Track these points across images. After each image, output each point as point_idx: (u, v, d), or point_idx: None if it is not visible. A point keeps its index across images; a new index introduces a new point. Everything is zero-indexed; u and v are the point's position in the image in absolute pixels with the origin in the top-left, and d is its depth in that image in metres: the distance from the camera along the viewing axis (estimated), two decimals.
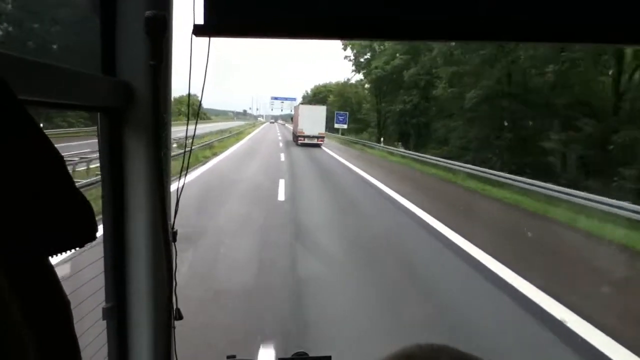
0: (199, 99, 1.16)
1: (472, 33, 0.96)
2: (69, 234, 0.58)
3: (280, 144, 33.42)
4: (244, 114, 69.82)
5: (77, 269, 1.41)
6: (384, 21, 0.94)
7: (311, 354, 1.28)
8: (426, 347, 0.51)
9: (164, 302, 1.10)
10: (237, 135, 38.83)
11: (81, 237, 0.59)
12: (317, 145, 31.08)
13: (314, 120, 31.79)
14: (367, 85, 58.65)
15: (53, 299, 0.54)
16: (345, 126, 54.73)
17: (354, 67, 44.39)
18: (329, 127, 65.67)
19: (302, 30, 0.98)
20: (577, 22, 0.92)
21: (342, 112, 56.07)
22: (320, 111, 34.10)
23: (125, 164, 1.06)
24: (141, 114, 1.03)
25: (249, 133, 47.91)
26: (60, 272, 0.55)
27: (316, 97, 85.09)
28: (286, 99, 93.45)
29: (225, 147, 24.03)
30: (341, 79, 72.28)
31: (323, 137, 32.41)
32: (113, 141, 1.05)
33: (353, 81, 63.89)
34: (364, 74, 43.67)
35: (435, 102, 33.22)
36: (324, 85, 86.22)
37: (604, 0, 0.92)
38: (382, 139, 30.24)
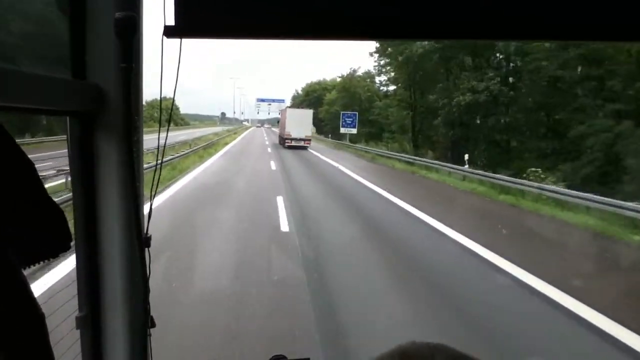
0: (173, 102, 1.18)
1: (468, 31, 0.90)
2: (42, 244, 0.55)
3: (272, 165, 20.08)
4: (223, 118, 56.89)
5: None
6: (368, 19, 0.89)
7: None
8: (422, 345, 0.50)
9: (139, 309, 1.06)
10: (205, 149, 25.25)
11: (55, 247, 0.56)
12: (304, 148, 31.15)
13: (300, 123, 32.10)
14: (378, 79, 45.58)
15: (26, 312, 0.51)
16: (354, 130, 41.94)
17: (376, 47, 31.20)
18: (328, 131, 53.34)
19: (276, 30, 0.93)
20: (579, 19, 0.87)
21: (349, 112, 43.29)
22: (307, 115, 34.36)
23: (96, 168, 1.03)
24: (112, 117, 1.00)
25: (227, 144, 34.15)
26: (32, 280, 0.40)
27: (309, 96, 73.48)
28: (274, 100, 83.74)
29: (165, 183, 10.65)
30: (338, 74, 60.15)
31: (309, 140, 32.84)
32: (83, 146, 1.02)
33: (360, 73, 50.87)
34: (389, 54, 30.54)
35: (529, 90, 20.18)
36: (318, 83, 74.29)
37: None
38: (466, 156, 16.80)
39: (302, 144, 31.58)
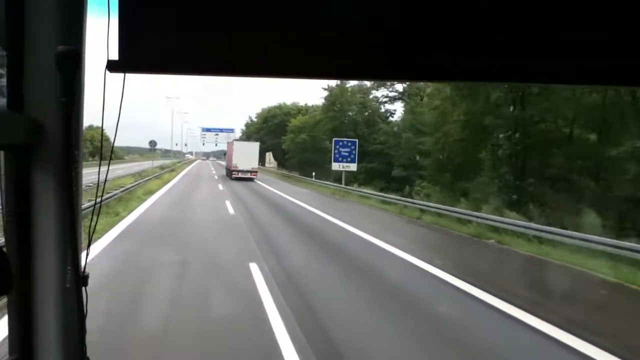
0: (112, 135, 1.13)
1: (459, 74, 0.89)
2: None
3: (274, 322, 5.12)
4: (154, 149, 41.25)
5: None
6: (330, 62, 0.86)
7: None
8: None
9: (75, 350, 1.02)
10: None
11: None
12: (251, 179, 31.89)
13: (247, 155, 32.91)
14: (375, 93, 31.64)
15: None
16: (353, 166, 27.90)
17: None
18: (294, 165, 43.02)
19: (220, 67, 0.93)
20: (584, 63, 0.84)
21: (344, 139, 29.47)
22: (254, 147, 34.80)
23: (32, 204, 0.99)
24: (51, 151, 0.98)
25: (151, 192, 18.24)
26: None
27: (268, 122, 59.36)
28: (221, 130, 71.95)
29: None
30: (300, 98, 46.75)
31: (256, 172, 33.45)
32: (19, 181, 0.98)
33: (351, 84, 37.01)
34: None
35: None
36: (279, 107, 60.45)
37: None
38: None
39: (248, 175, 32.44)
